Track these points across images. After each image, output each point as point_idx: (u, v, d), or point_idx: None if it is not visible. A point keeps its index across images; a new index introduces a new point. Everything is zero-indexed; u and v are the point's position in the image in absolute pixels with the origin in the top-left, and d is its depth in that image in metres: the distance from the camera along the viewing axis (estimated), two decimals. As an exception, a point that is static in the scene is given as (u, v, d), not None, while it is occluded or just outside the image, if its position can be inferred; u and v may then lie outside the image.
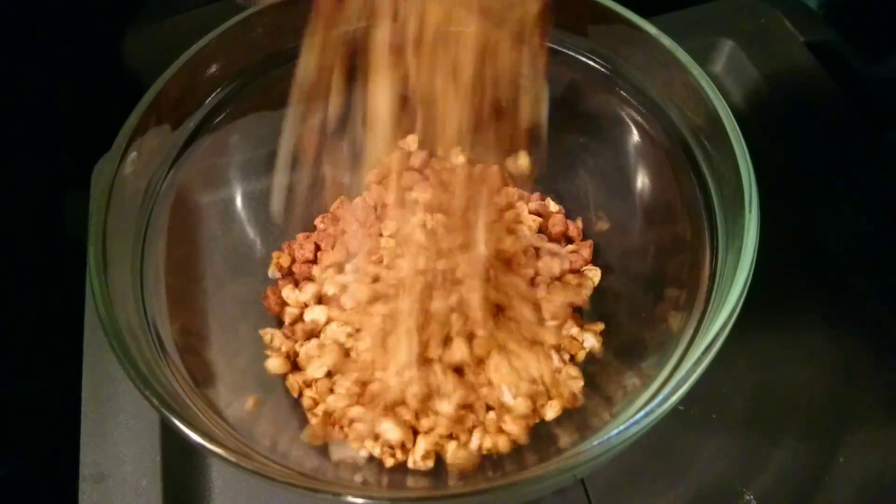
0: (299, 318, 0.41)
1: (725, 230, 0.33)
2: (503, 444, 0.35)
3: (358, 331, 0.39)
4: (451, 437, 0.35)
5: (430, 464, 0.35)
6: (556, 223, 0.44)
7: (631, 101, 0.40)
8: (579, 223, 0.44)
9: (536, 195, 0.46)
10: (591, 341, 0.39)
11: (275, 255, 0.44)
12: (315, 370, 0.37)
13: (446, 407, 0.35)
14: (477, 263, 0.37)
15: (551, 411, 0.36)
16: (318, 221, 0.46)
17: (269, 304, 0.41)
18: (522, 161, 0.47)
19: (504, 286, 0.38)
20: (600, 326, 0.40)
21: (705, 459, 0.38)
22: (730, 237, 0.32)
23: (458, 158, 0.47)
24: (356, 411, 0.35)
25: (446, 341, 0.36)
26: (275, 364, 0.38)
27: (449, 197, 0.40)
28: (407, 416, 0.35)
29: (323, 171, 0.47)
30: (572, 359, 0.39)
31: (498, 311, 0.38)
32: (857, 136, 0.49)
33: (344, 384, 0.36)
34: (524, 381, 0.36)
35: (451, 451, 0.35)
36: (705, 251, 0.34)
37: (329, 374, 0.38)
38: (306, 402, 0.37)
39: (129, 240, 0.34)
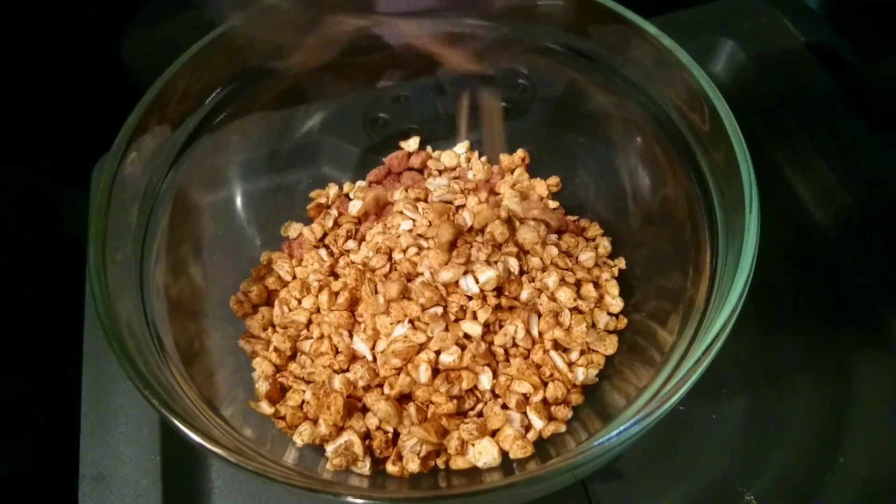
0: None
1: (725, 230, 0.33)
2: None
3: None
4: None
5: (431, 463, 0.35)
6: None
7: (631, 101, 0.40)
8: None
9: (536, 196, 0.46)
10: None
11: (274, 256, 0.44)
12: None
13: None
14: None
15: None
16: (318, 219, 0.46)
17: (242, 307, 0.41)
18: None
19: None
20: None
21: (705, 459, 0.38)
22: (730, 237, 0.32)
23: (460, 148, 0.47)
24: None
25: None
26: (262, 389, 0.37)
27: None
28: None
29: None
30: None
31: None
32: (857, 136, 0.49)
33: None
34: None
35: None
36: (705, 251, 0.34)
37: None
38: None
39: (129, 240, 0.34)
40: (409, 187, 0.46)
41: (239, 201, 0.44)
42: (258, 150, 0.45)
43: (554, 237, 0.42)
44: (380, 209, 0.46)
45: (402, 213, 0.43)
